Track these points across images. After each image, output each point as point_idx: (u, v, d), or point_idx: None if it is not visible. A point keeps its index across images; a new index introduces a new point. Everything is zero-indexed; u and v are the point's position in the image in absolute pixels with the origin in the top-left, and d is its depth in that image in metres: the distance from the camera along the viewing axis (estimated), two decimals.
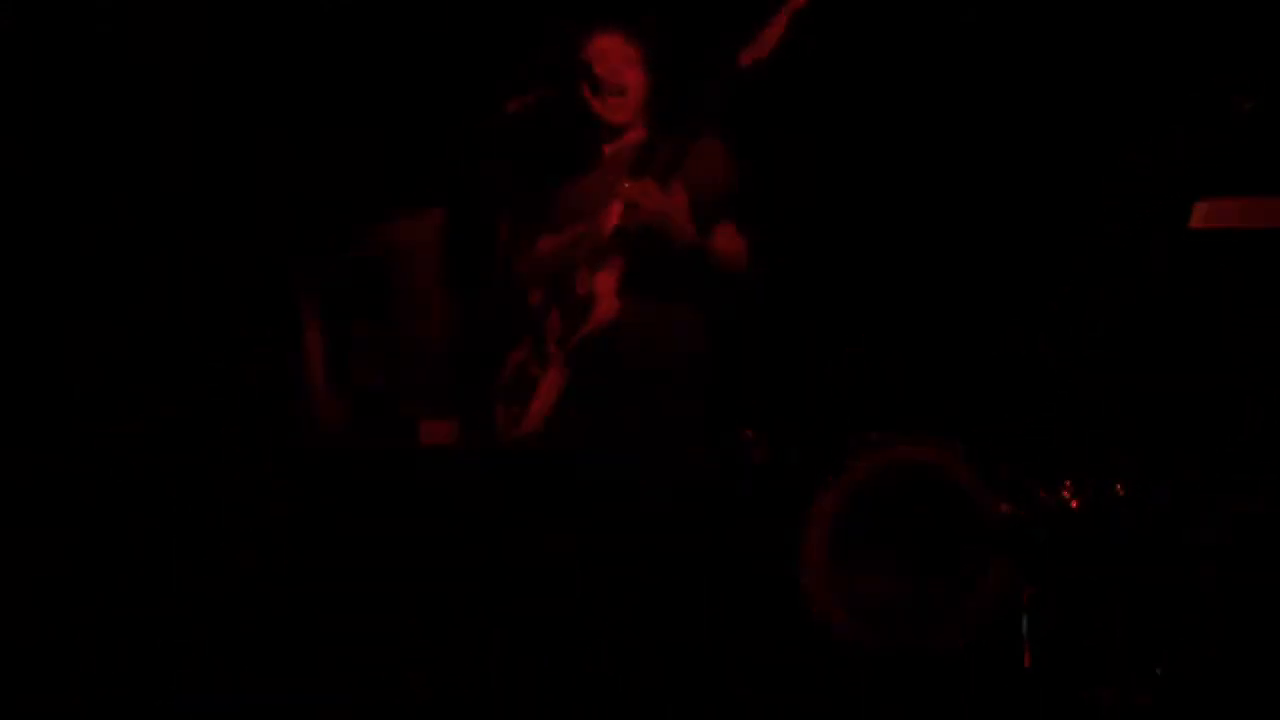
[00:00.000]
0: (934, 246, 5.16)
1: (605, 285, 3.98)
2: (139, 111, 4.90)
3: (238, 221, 5.00)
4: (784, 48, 3.83)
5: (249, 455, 4.97)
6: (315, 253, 4.94)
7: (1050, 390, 4.74)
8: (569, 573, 4.05)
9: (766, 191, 4.25)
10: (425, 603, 4.91)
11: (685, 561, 3.97)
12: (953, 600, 4.61)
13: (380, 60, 5.04)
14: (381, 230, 4.91)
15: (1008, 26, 5.01)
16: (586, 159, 4.22)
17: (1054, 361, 4.76)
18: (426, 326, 4.83)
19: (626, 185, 3.96)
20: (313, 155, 4.99)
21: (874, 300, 5.20)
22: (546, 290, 4.15)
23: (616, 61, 4.08)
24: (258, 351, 5.02)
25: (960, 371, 5.04)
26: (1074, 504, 4.43)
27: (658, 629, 3.98)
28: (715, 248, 4.01)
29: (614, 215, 3.99)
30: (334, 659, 4.82)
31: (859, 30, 4.96)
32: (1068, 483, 4.45)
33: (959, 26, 5.04)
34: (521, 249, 4.22)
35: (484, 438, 4.11)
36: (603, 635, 4.03)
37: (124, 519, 4.85)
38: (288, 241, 4.97)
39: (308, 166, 4.98)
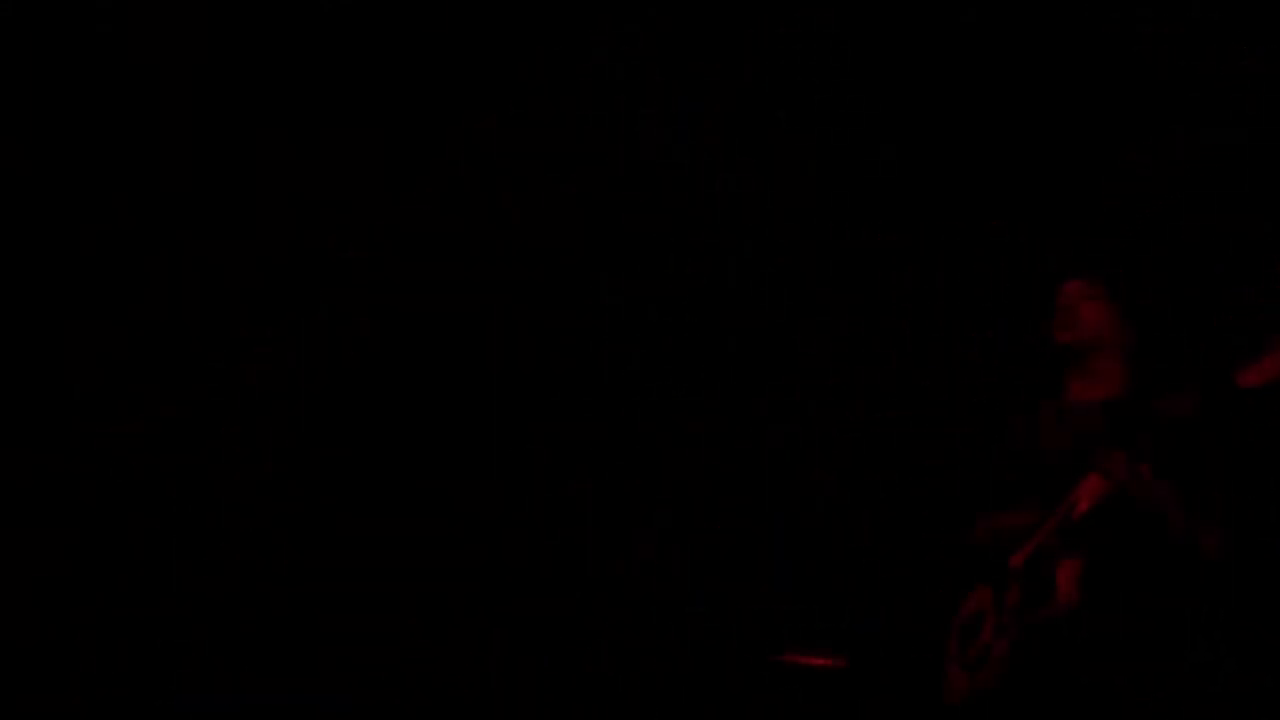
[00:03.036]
0: None
1: (1068, 573, 3.69)
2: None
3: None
4: None
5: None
6: None
7: None
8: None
9: None
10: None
11: None
12: None
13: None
14: None
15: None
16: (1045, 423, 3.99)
17: None
18: None
19: (1111, 459, 3.68)
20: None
21: None
22: (1002, 561, 3.89)
23: (1075, 298, 3.96)
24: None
25: None
26: None
27: None
28: (1201, 540, 3.68)
29: (1089, 493, 3.71)
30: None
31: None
32: None
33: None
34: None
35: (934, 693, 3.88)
36: None
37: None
38: None
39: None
